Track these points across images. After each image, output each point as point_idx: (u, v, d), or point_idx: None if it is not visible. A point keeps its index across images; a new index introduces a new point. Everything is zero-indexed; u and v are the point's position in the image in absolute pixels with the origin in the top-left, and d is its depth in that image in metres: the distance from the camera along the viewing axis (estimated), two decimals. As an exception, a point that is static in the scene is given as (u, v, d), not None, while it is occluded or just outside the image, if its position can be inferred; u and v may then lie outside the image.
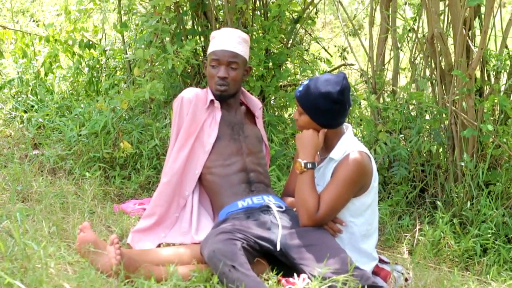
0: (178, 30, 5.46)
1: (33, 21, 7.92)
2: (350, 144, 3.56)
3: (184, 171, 3.84)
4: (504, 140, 4.72)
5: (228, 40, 3.87)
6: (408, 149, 4.84)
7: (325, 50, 6.63)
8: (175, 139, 3.90)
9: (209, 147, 3.83)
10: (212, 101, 3.89)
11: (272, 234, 3.46)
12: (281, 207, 3.65)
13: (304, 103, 3.56)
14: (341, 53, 6.68)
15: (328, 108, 3.50)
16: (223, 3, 5.37)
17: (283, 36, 5.80)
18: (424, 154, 4.96)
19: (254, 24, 5.67)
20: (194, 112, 3.88)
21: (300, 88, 3.59)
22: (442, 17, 4.95)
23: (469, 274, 4.10)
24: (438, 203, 4.60)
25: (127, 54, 5.89)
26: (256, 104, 4.10)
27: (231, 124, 3.92)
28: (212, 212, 3.88)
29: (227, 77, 3.83)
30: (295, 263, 3.33)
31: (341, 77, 3.53)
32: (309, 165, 3.51)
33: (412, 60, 5.27)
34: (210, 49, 3.93)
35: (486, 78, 4.95)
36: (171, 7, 5.32)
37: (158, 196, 3.85)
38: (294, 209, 3.64)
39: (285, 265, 3.39)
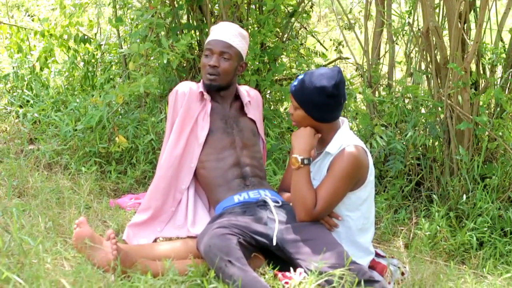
0: (173, 24, 5.45)
1: (28, 15, 7.89)
2: (346, 138, 3.55)
3: (179, 164, 3.83)
4: (500, 133, 4.72)
5: (224, 31, 3.87)
6: (404, 143, 4.84)
7: (321, 44, 6.62)
8: (170, 132, 3.90)
9: (203, 139, 3.82)
10: (202, 93, 3.89)
11: (268, 229, 3.45)
12: (277, 202, 3.64)
13: (298, 97, 3.54)
14: (336, 47, 6.66)
15: (322, 103, 3.49)
16: (218, -3, 5.36)
17: (278, 30, 5.80)
18: (420, 148, 4.96)
19: (249, 18, 5.66)
20: (188, 105, 3.87)
21: (295, 83, 3.57)
22: (437, 10, 4.95)
23: (465, 267, 4.10)
24: (434, 196, 4.60)
25: (122, 48, 5.88)
26: (244, 96, 4.03)
27: (224, 117, 3.90)
28: (209, 206, 3.87)
29: (218, 66, 3.82)
30: (291, 257, 3.32)
31: (336, 71, 3.51)
32: (305, 161, 3.50)
33: (408, 53, 5.26)
34: (206, 41, 3.94)
35: (481, 72, 4.95)
36: (166, 1, 5.31)
37: (153, 190, 3.84)
38: (291, 204, 3.64)
39: (282, 259, 3.39)
